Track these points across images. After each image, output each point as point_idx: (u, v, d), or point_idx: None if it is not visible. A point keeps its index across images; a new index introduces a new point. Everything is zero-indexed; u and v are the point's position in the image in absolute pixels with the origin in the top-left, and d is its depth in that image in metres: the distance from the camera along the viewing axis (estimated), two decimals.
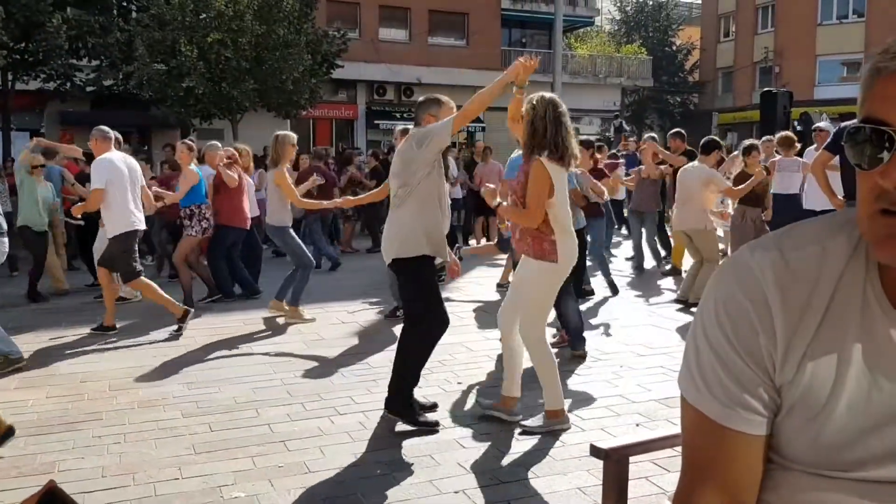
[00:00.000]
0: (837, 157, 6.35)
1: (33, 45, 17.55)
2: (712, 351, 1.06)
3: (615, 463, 1.43)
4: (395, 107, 27.61)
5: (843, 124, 6.74)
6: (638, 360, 5.82)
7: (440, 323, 4.45)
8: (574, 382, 5.23)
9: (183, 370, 5.61)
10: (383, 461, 3.90)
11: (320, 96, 20.47)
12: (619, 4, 41.14)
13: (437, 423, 4.37)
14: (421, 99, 4.65)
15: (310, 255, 7.63)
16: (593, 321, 7.18)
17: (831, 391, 0.99)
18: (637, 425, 4.42)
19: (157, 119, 20.90)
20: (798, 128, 13.60)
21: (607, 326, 6.99)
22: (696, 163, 7.92)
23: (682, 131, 10.02)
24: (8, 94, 18.77)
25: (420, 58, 27.27)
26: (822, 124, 9.67)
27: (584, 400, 4.85)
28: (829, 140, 7.04)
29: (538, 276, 4.24)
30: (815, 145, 8.67)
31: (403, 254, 4.37)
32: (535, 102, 4.20)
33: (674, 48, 39.72)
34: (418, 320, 4.44)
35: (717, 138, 8.28)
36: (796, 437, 1.03)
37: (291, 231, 7.43)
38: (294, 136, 7.37)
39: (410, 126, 4.73)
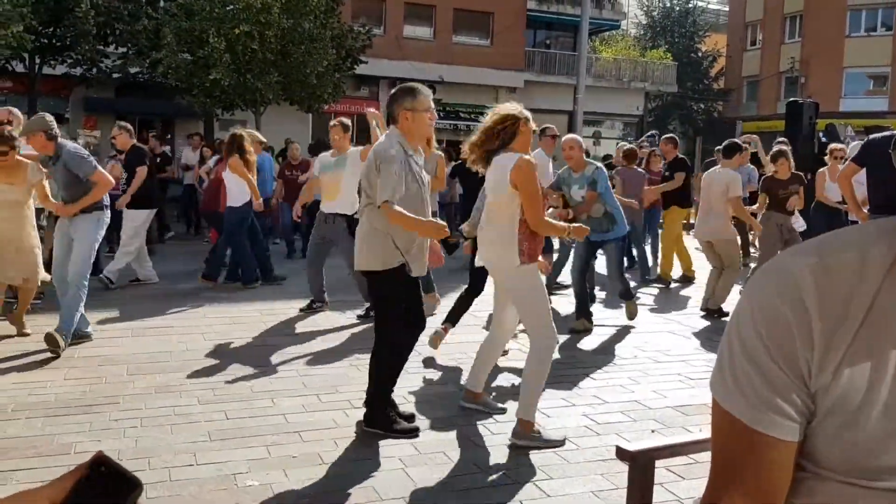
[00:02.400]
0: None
1: (61, 30, 17.72)
2: (746, 354, 1.05)
3: (641, 466, 1.42)
4: None
5: (870, 137, 6.64)
6: (655, 366, 5.79)
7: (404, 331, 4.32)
8: (589, 386, 5.21)
9: (200, 357, 5.64)
10: (397, 456, 3.91)
11: (343, 91, 20.50)
12: (645, 9, 40.93)
13: (416, 429, 4.26)
14: (394, 91, 4.27)
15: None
16: (609, 326, 7.15)
17: (867, 399, 0.98)
18: (653, 431, 4.39)
19: (182, 108, 21.01)
20: (823, 139, 13.47)
21: (624, 332, 6.96)
22: (718, 167, 7.81)
23: (675, 137, 9.93)
24: (35, 79, 18.96)
25: (443, 56, 27.26)
26: (837, 145, 9.71)
27: (598, 404, 4.83)
28: (856, 152, 6.97)
29: None
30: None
31: (377, 266, 4.12)
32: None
33: (699, 55, 39.46)
34: (390, 330, 4.26)
35: (738, 141, 8.15)
36: (830, 445, 1.02)
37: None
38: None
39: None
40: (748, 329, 1.05)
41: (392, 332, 4.25)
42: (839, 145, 10.06)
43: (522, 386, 4.16)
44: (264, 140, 9.83)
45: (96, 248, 6.05)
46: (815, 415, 1.03)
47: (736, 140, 8.15)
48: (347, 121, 7.60)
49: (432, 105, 4.19)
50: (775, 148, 8.23)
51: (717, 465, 1.11)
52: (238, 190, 8.37)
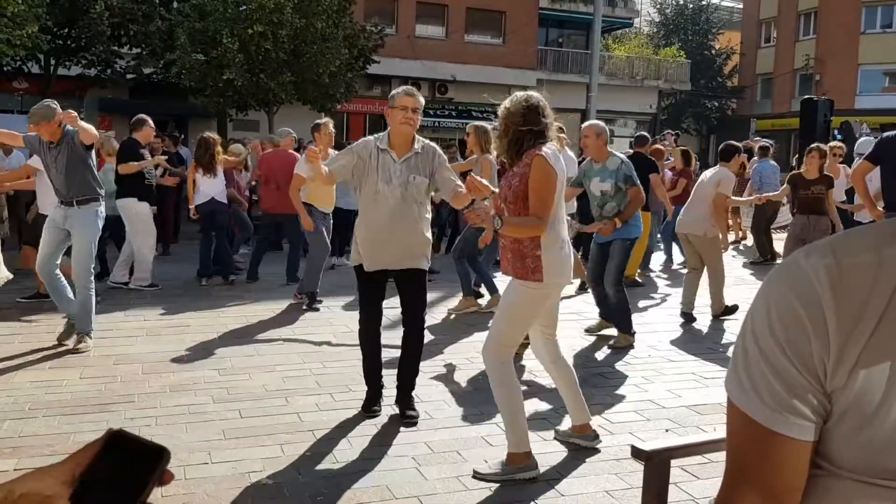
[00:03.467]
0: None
1: (76, 31, 17.85)
2: (762, 354, 1.04)
3: (657, 465, 1.41)
4: (429, 103, 27.62)
5: (885, 134, 6.59)
6: (669, 365, 5.77)
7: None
8: (603, 385, 5.19)
9: (214, 356, 5.67)
10: (410, 455, 3.91)
11: (355, 91, 20.53)
12: (658, 6, 40.76)
13: (372, 410, 4.49)
14: None
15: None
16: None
17: (884, 398, 0.97)
18: (667, 430, 4.38)
19: (195, 109, 21.12)
20: (838, 137, 13.39)
21: (639, 331, 6.92)
22: (716, 167, 7.62)
23: (646, 134, 9.75)
24: (50, 80, 19.11)
25: (455, 55, 27.26)
26: (835, 143, 9.64)
27: (612, 403, 4.82)
28: (869, 150, 6.92)
29: (516, 296, 3.67)
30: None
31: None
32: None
33: (713, 52, 39.25)
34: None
35: (735, 143, 7.92)
36: (847, 445, 1.01)
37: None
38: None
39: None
40: (763, 328, 1.04)
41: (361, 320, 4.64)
42: (838, 143, 9.99)
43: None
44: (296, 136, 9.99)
45: (97, 241, 5.96)
46: (831, 415, 1.02)
47: (733, 142, 7.91)
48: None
49: (410, 105, 4.24)
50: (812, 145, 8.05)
51: (731, 465, 1.11)
52: (203, 190, 8.55)
